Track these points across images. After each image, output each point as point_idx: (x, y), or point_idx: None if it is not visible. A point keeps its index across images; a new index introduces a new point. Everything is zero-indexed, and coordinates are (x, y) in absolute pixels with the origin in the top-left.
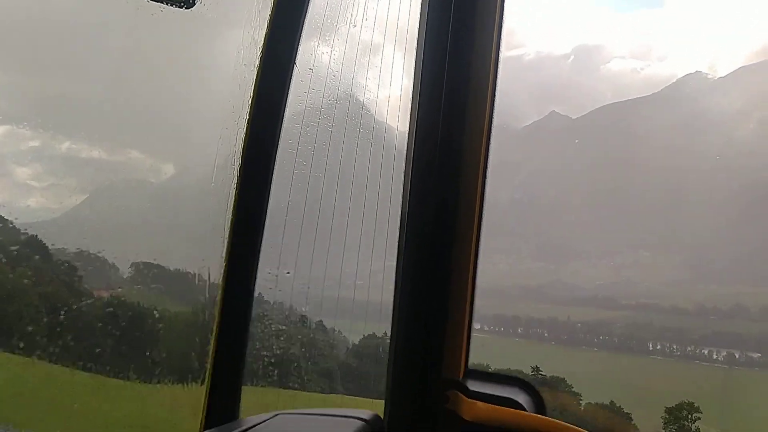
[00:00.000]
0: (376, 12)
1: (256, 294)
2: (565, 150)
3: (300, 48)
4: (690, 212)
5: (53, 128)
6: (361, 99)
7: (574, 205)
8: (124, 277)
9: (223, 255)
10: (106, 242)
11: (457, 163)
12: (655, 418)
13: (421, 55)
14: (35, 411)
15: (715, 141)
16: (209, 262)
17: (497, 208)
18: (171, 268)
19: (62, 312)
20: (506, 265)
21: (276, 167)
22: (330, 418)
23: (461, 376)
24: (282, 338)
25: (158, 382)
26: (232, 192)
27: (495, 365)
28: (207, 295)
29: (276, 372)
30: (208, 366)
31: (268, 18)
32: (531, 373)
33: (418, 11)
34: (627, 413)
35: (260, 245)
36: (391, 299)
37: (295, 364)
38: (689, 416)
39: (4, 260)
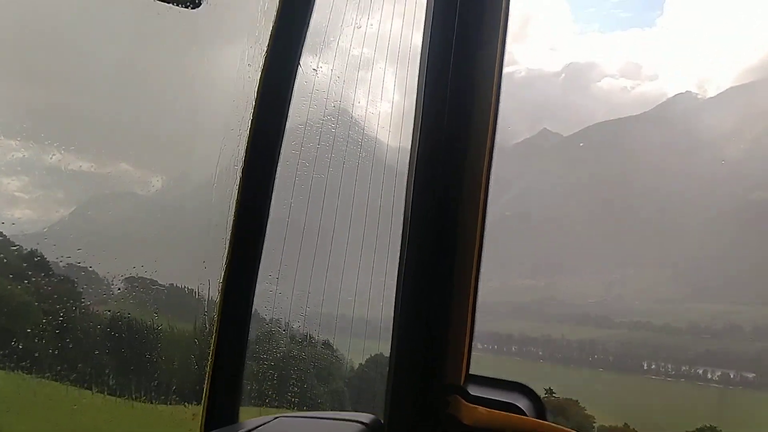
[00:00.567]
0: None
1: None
2: (556, 167)
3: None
4: (683, 230)
5: (43, 139)
6: (351, 113)
7: (566, 222)
8: (116, 292)
9: (223, 260)
10: (96, 255)
11: (460, 174)
12: None
13: (424, 71)
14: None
15: (708, 159)
16: (208, 275)
17: (488, 225)
18: (165, 283)
19: (57, 326)
20: (498, 282)
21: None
22: (330, 421)
23: (462, 381)
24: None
25: (156, 402)
26: (232, 204)
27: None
28: (207, 310)
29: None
30: (208, 367)
31: (271, 27)
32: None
33: (412, 26)
34: None
35: (260, 258)
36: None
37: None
38: None
39: None
